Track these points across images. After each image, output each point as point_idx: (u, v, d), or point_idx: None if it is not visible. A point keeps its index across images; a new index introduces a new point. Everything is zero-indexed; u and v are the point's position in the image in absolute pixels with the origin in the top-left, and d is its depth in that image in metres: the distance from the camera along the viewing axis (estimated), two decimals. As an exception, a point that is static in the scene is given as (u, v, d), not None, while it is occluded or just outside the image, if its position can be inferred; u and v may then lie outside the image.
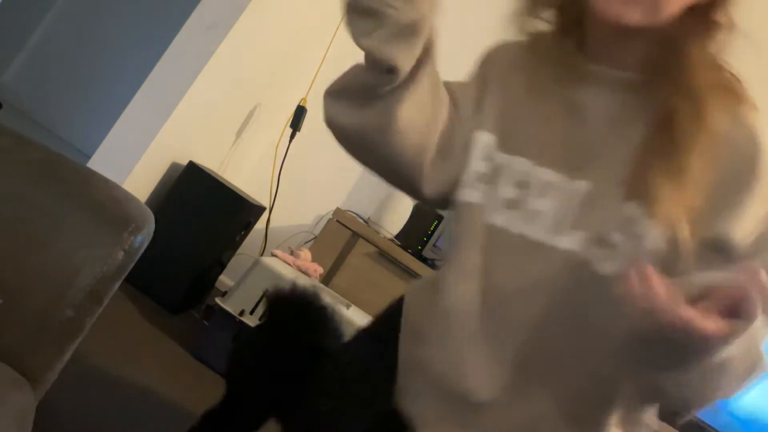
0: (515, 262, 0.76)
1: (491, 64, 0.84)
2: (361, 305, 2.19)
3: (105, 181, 0.87)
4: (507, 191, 0.77)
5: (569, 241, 0.72)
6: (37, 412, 0.79)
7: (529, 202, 0.75)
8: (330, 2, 2.54)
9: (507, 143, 0.78)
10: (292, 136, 2.55)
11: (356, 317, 1.95)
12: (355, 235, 2.30)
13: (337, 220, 2.33)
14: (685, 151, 0.68)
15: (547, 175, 0.75)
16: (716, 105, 0.69)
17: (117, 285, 0.84)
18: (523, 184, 0.76)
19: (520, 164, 0.76)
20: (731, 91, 0.70)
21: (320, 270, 2.20)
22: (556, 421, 0.74)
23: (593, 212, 0.72)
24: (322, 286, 2.11)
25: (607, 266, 0.71)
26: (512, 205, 0.76)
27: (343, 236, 2.31)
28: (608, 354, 0.71)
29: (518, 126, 0.78)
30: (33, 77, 3.15)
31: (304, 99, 2.56)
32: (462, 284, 0.78)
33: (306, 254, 2.20)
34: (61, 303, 0.79)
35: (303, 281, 1.41)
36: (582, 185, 0.73)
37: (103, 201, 0.83)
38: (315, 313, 1.35)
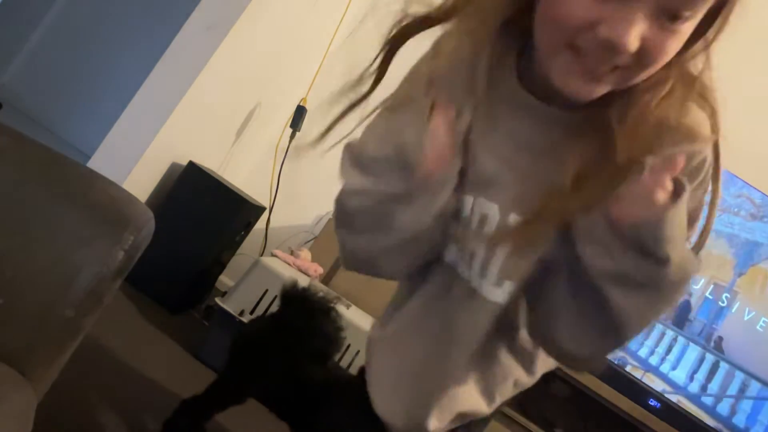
0: (450, 308, 0.79)
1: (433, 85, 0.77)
2: (361, 305, 2.18)
3: (105, 181, 0.87)
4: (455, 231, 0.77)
5: (497, 294, 0.74)
6: (37, 412, 0.79)
7: (469, 240, 0.75)
8: (330, 2, 2.54)
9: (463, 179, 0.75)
10: (292, 136, 2.55)
11: (356, 317, 1.95)
12: (355, 235, 2.29)
13: (337, 220, 2.32)
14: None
15: (482, 208, 0.74)
16: (658, 144, 0.66)
17: (117, 285, 0.84)
18: (465, 222, 0.76)
19: (463, 200, 0.76)
20: (683, 132, 0.68)
21: (320, 270, 2.20)
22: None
23: (520, 256, 0.73)
24: (322, 286, 2.11)
25: (522, 315, 0.76)
26: (459, 246, 0.77)
27: (343, 236, 2.30)
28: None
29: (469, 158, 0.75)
30: (33, 77, 3.15)
31: (304, 99, 2.56)
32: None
33: (306, 254, 2.20)
34: (61, 303, 0.79)
35: (320, 288, 1.44)
36: (515, 221, 0.73)
37: (103, 201, 0.83)
38: (325, 320, 1.36)
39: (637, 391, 2.11)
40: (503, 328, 0.78)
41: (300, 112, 2.54)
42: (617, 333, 0.68)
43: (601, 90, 0.64)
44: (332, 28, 2.59)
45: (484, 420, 0.91)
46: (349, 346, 1.85)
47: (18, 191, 0.81)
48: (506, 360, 0.82)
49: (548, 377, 2.44)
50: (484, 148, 0.74)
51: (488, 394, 0.83)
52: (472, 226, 0.75)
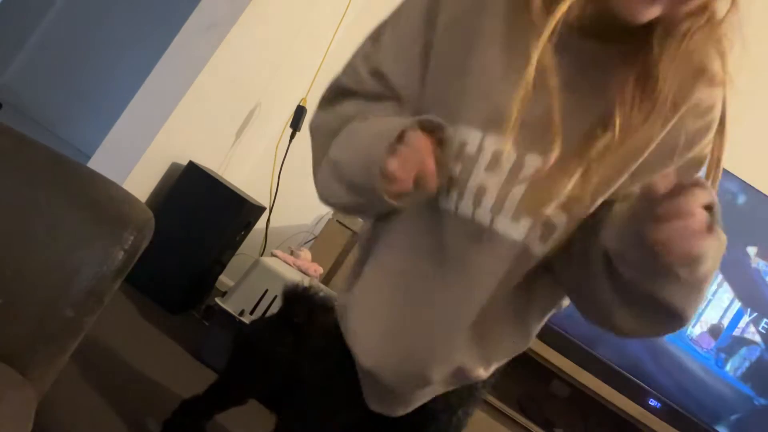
0: (458, 248, 0.75)
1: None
2: (361, 305, 2.18)
3: (105, 181, 0.87)
4: (454, 166, 0.72)
5: (514, 230, 0.71)
6: (37, 412, 0.79)
7: (475, 176, 0.71)
8: (330, 2, 2.54)
9: (452, 109, 0.71)
10: (292, 136, 2.55)
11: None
12: (355, 235, 2.30)
13: (337, 220, 2.33)
14: (642, 129, 0.67)
15: (497, 144, 0.70)
16: (685, 84, 0.67)
17: (117, 285, 0.84)
18: (469, 157, 0.71)
19: (468, 134, 0.71)
20: (706, 74, 0.68)
21: (320, 270, 2.20)
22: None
23: (541, 193, 0.70)
24: (324, 287, 2.11)
25: (542, 248, 0.72)
26: (456, 182, 0.72)
27: (343, 236, 2.31)
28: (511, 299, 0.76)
29: (466, 86, 0.71)
30: (33, 77, 3.15)
31: (304, 99, 2.56)
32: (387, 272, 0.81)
33: (306, 254, 2.20)
34: (61, 303, 0.79)
35: (323, 290, 1.44)
36: (533, 160, 0.70)
37: (103, 201, 0.83)
38: (328, 322, 1.36)
39: (637, 391, 2.11)
40: (514, 278, 0.75)
41: (300, 112, 2.54)
42: (676, 316, 0.66)
43: (654, 13, 0.64)
44: (332, 28, 2.59)
45: (477, 392, 0.88)
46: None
47: (18, 191, 0.81)
48: (507, 318, 0.79)
49: (548, 377, 2.44)
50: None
51: (485, 354, 0.80)
52: (481, 162, 0.71)
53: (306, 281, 1.49)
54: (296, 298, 1.38)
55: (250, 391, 1.38)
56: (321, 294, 1.40)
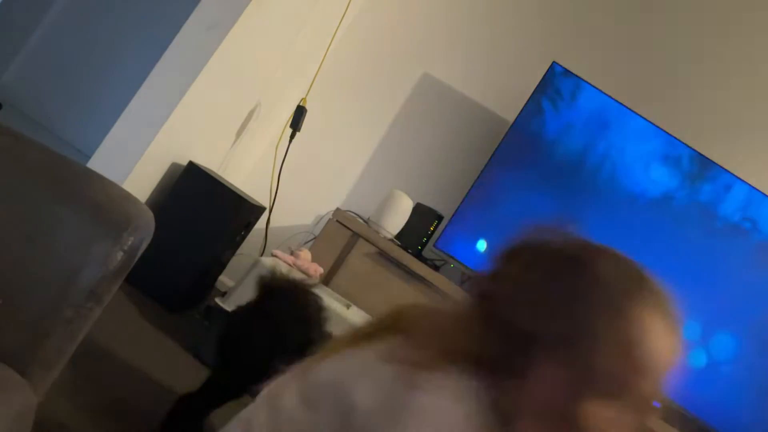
0: None
1: None
2: (361, 305, 2.18)
3: (105, 181, 0.87)
4: None
5: None
6: (37, 412, 0.79)
7: None
8: (330, 2, 2.54)
9: None
10: (292, 136, 2.55)
11: (356, 317, 1.95)
12: (355, 235, 2.30)
13: (337, 220, 2.33)
14: None
15: None
16: None
17: (117, 285, 0.84)
18: None
19: None
20: None
21: (320, 270, 2.20)
22: None
23: None
24: (322, 285, 2.11)
25: None
26: None
27: (343, 236, 2.31)
28: None
29: None
30: (33, 77, 3.15)
31: (304, 99, 2.56)
32: None
33: (306, 254, 2.21)
34: (61, 303, 0.79)
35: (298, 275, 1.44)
36: None
37: (103, 201, 0.83)
38: (305, 304, 1.37)
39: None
40: None
41: (300, 113, 2.54)
42: None
43: None
44: (332, 28, 2.59)
45: None
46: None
47: (18, 191, 0.81)
48: None
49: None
50: None
51: None
52: None
53: (283, 268, 1.48)
54: (271, 286, 1.39)
55: (241, 384, 1.38)
56: (295, 279, 1.41)
